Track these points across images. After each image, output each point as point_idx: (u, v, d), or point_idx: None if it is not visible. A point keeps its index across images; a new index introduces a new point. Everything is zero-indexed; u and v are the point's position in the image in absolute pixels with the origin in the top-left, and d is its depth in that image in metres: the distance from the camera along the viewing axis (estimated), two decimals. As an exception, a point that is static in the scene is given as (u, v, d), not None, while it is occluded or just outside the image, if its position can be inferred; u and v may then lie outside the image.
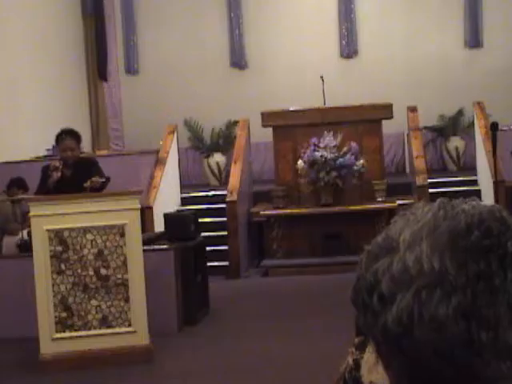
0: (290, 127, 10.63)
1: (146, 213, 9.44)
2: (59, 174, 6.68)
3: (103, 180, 6.72)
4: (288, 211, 10.32)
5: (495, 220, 0.83)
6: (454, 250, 0.80)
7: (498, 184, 8.25)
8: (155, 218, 9.81)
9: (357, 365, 1.19)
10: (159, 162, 10.99)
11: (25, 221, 8.18)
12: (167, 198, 10.85)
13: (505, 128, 10.06)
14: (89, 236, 6.34)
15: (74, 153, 6.86)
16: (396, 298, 0.81)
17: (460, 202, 0.87)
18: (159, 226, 9.17)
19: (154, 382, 6.12)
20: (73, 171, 6.83)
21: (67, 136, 6.90)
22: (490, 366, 0.79)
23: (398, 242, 0.83)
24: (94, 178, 6.61)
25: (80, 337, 6.34)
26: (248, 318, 7.66)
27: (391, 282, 0.82)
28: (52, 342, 6.30)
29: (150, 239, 7.55)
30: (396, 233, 0.85)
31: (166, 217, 8.15)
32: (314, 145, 10.19)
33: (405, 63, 13.47)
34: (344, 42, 13.81)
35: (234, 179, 10.73)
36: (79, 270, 6.34)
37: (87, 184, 6.58)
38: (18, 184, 9.09)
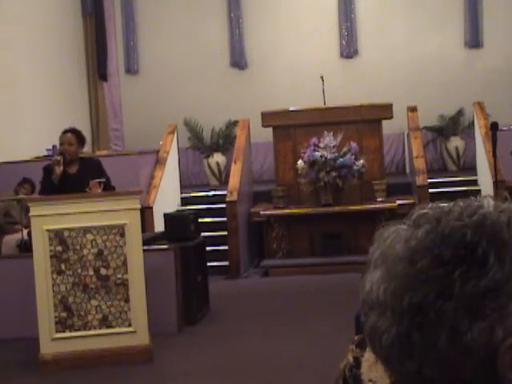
0: (290, 127, 10.63)
1: (146, 213, 9.43)
2: (61, 168, 6.67)
3: (103, 180, 6.71)
4: (288, 211, 10.31)
5: (459, 245, 0.75)
6: (398, 280, 0.76)
7: (497, 184, 8.25)
8: (155, 217, 9.80)
9: (357, 362, 1.19)
10: (159, 162, 10.98)
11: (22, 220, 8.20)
12: (167, 197, 10.85)
13: (505, 128, 10.05)
14: (89, 236, 6.34)
15: (72, 147, 6.80)
16: (366, 317, 0.81)
17: (443, 212, 0.79)
18: (159, 226, 9.17)
19: (154, 382, 6.11)
20: (77, 169, 6.82)
21: (68, 132, 6.94)
22: None
23: (370, 261, 0.82)
24: (92, 182, 6.60)
25: (80, 337, 6.34)
26: (248, 318, 7.66)
27: (362, 301, 0.81)
28: (52, 342, 6.30)
29: (149, 239, 7.55)
30: (373, 250, 0.82)
31: (166, 217, 8.15)
32: (314, 145, 10.19)
33: (405, 63, 13.46)
34: (344, 42, 13.80)
35: (234, 179, 10.72)
36: (79, 270, 6.34)
37: (89, 188, 6.58)
38: (28, 181, 9.19)
